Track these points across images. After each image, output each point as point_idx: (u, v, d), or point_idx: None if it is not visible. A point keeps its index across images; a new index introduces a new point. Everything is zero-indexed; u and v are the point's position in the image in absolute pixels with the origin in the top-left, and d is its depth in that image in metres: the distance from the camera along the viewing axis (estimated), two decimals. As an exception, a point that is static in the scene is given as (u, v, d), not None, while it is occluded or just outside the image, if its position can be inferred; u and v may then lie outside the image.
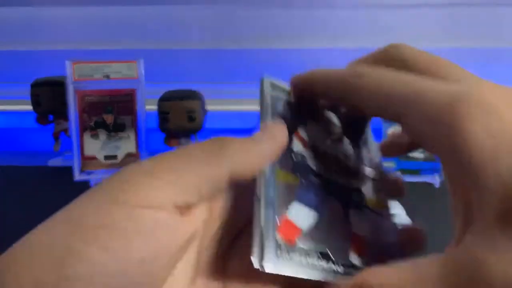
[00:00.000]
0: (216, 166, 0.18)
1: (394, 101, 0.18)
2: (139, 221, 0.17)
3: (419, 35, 0.96)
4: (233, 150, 0.19)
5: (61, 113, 0.80)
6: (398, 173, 0.72)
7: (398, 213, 0.46)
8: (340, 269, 0.20)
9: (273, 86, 0.26)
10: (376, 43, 0.95)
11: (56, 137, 0.84)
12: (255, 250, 0.18)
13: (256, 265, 0.18)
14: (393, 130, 0.73)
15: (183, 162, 0.18)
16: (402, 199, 0.48)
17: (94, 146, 0.72)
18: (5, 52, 0.99)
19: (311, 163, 0.23)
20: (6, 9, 0.96)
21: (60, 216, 0.19)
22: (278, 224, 0.19)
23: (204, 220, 0.21)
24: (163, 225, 0.17)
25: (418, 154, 0.72)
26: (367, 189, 0.28)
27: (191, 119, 0.76)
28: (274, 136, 0.21)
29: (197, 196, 0.18)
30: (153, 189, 0.17)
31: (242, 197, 0.21)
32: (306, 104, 0.24)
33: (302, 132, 0.25)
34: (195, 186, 0.18)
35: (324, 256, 0.20)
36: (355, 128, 0.27)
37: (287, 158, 0.22)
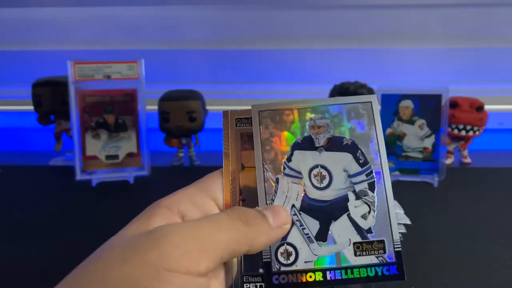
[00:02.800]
0: (240, 244, 0.22)
1: None
2: (169, 284, 0.19)
3: (419, 35, 0.97)
4: (256, 235, 0.23)
5: (62, 113, 0.80)
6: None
7: (397, 212, 0.47)
8: None
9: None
10: (376, 43, 0.95)
11: (57, 137, 0.84)
12: None
13: None
14: (391, 130, 0.73)
15: (219, 236, 0.21)
16: (401, 198, 0.49)
17: (95, 146, 0.73)
18: (7, 52, 0.99)
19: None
20: (7, 10, 0.97)
21: (117, 276, 0.19)
22: None
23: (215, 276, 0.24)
24: (191, 286, 0.20)
25: (417, 154, 0.73)
26: None
27: (192, 119, 0.76)
28: (283, 224, 0.24)
29: (218, 263, 0.21)
30: (197, 261, 0.20)
31: None
32: None
33: None
34: (220, 256, 0.21)
35: None
36: None
37: None
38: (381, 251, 0.25)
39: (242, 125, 0.26)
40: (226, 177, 0.26)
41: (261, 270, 0.25)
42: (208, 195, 0.25)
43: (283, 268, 0.24)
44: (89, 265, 0.20)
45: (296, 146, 0.26)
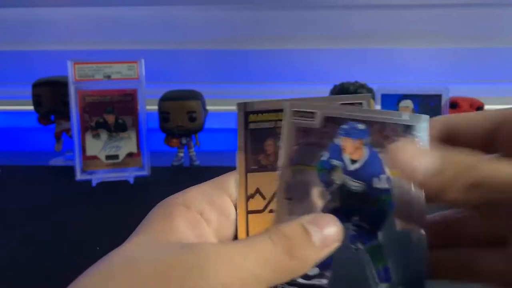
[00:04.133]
0: (281, 278, 0.19)
1: None
2: None
3: (419, 35, 0.97)
4: (298, 265, 0.19)
5: (62, 113, 0.80)
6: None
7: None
8: None
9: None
10: (376, 43, 0.95)
11: (57, 137, 0.84)
12: None
13: None
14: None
15: (258, 269, 0.19)
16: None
17: (96, 146, 0.73)
18: (7, 52, 0.99)
19: None
20: (8, 10, 0.97)
21: None
22: None
23: None
24: None
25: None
26: None
27: (192, 119, 0.76)
28: (330, 245, 0.20)
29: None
30: (219, 285, 0.18)
31: None
32: None
33: None
34: (263, 284, 0.19)
35: None
36: None
37: None
38: None
39: (300, 118, 0.23)
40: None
41: (299, 279, 0.22)
42: (224, 191, 0.23)
43: None
44: (116, 276, 0.18)
45: None
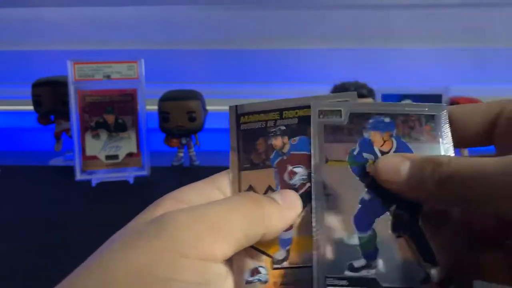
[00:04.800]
0: (255, 225, 0.20)
1: None
2: (204, 275, 0.18)
3: (419, 35, 0.97)
4: (269, 214, 0.21)
5: (62, 113, 0.80)
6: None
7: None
8: None
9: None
10: (376, 44, 0.95)
11: (57, 137, 0.84)
12: None
13: None
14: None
15: (232, 217, 0.19)
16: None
17: (95, 146, 0.73)
18: (7, 52, 0.99)
19: None
20: (8, 10, 0.97)
21: (124, 265, 0.17)
22: None
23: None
24: (220, 276, 0.19)
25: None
26: None
27: (192, 119, 0.76)
28: (293, 205, 0.22)
29: (235, 248, 0.19)
30: (211, 243, 0.18)
31: None
32: None
33: None
34: (235, 238, 0.19)
35: None
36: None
37: None
38: None
39: (327, 117, 0.24)
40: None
41: (347, 272, 0.22)
42: (216, 187, 0.23)
43: None
44: (91, 260, 0.18)
45: None
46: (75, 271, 0.18)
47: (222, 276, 0.19)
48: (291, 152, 0.24)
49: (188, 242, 0.18)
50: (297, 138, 0.24)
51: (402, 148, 0.23)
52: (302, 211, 0.23)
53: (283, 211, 0.22)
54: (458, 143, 0.22)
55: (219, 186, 0.23)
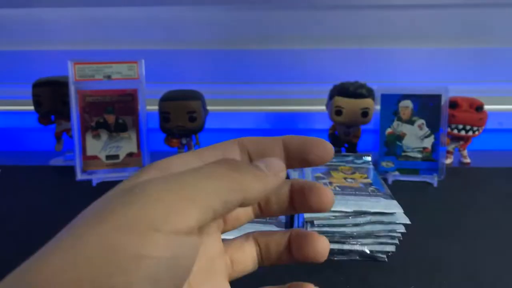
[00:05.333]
0: (233, 191, 0.19)
1: None
2: (176, 249, 0.17)
3: (419, 35, 0.97)
4: (248, 179, 0.20)
5: (63, 113, 0.80)
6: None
7: (397, 212, 0.47)
8: None
9: None
10: (376, 43, 0.95)
11: (57, 137, 0.84)
12: None
13: None
14: (390, 130, 0.73)
15: (206, 184, 0.18)
16: (400, 198, 0.49)
17: (96, 146, 0.73)
18: (7, 52, 1.00)
19: None
20: (8, 10, 0.97)
21: (93, 240, 0.16)
22: None
23: (208, 233, 0.23)
24: (194, 249, 0.18)
25: (416, 154, 0.73)
26: None
27: (192, 119, 0.76)
28: (278, 171, 0.22)
29: (210, 216, 0.18)
30: (185, 214, 0.17)
31: None
32: None
33: None
34: (211, 206, 0.18)
35: None
36: None
37: None
38: None
39: None
40: None
41: None
42: (203, 161, 0.21)
43: None
44: (63, 234, 0.17)
45: None
46: (47, 246, 0.17)
47: (196, 248, 0.18)
48: None
49: (160, 215, 0.16)
50: None
51: None
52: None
53: (267, 177, 0.21)
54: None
55: (206, 160, 0.22)
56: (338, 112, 0.76)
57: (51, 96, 0.80)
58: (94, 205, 0.19)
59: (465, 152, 0.83)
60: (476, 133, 0.78)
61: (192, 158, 0.22)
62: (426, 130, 0.72)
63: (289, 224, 0.52)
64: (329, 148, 0.23)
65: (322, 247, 0.24)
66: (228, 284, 0.24)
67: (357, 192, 0.50)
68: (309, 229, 0.47)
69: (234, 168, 0.20)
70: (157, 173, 0.20)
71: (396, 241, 0.47)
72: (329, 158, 0.23)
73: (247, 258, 0.25)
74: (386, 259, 0.46)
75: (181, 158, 0.21)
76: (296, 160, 0.23)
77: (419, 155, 0.73)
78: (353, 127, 0.80)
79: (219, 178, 0.19)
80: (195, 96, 0.78)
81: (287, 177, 0.26)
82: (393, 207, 0.47)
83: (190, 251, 0.17)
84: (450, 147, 0.82)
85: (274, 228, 0.48)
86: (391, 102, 0.73)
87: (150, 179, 0.18)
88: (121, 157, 0.74)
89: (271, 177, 0.21)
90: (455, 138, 0.81)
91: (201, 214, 0.17)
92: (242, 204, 0.19)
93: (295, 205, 0.24)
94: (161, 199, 0.17)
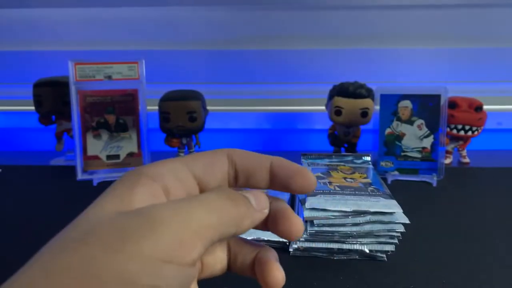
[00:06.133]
0: (230, 226, 0.20)
1: None
2: (183, 279, 0.18)
3: (418, 35, 0.97)
4: (243, 215, 0.21)
5: (63, 113, 0.81)
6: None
7: (396, 212, 0.47)
8: None
9: None
10: (375, 44, 0.95)
11: (58, 138, 0.84)
12: None
13: None
14: (390, 130, 0.74)
15: (210, 218, 0.19)
16: (400, 198, 0.49)
17: (96, 146, 0.73)
18: (8, 53, 1.00)
19: None
20: (9, 10, 0.97)
21: (109, 269, 0.16)
22: None
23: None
24: (193, 278, 0.19)
25: (416, 154, 0.73)
26: None
27: (192, 119, 0.77)
28: (263, 208, 0.23)
29: (205, 248, 0.19)
30: (192, 248, 0.18)
31: None
32: None
33: None
34: (211, 240, 0.19)
35: None
36: None
37: None
38: None
39: None
40: None
41: None
42: (192, 172, 0.22)
43: None
44: (70, 252, 0.17)
45: None
46: (54, 262, 0.17)
47: (194, 277, 0.19)
48: None
49: (173, 247, 0.17)
50: None
51: None
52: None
53: (255, 214, 0.22)
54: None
55: (193, 170, 0.22)
56: (338, 112, 0.77)
57: (51, 96, 0.80)
58: (101, 222, 0.19)
59: (465, 152, 0.83)
60: (476, 133, 0.79)
61: (180, 165, 0.22)
62: (425, 130, 0.73)
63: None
64: (313, 181, 0.23)
65: (276, 279, 0.24)
66: (196, 286, 0.24)
67: (356, 192, 0.50)
68: (308, 228, 0.47)
69: (235, 203, 0.21)
70: (149, 182, 0.20)
71: (396, 241, 0.47)
72: (311, 190, 0.24)
73: (216, 263, 0.25)
74: (385, 259, 0.47)
75: (169, 165, 0.22)
76: (279, 185, 0.24)
77: (419, 155, 0.73)
78: (353, 127, 0.80)
79: (221, 214, 0.20)
80: (195, 96, 0.79)
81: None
82: (393, 206, 0.47)
83: (190, 280, 0.19)
84: (450, 147, 0.82)
85: None
86: (390, 102, 0.73)
87: (162, 207, 0.19)
88: (122, 157, 0.74)
89: (258, 213, 0.22)
90: (454, 138, 0.81)
91: (203, 247, 0.19)
92: (232, 236, 0.21)
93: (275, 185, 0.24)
94: (176, 231, 0.18)
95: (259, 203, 0.23)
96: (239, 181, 0.24)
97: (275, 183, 0.24)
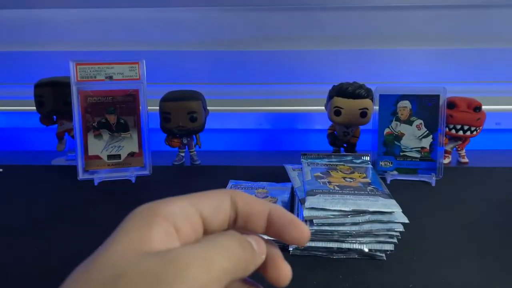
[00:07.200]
0: (240, 270, 0.22)
1: None
2: None
3: (417, 36, 0.97)
4: (248, 259, 0.22)
5: (64, 113, 0.81)
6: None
7: (395, 211, 0.47)
8: None
9: None
10: (374, 44, 0.96)
11: (59, 138, 0.85)
12: None
13: None
14: (389, 130, 0.74)
15: (227, 264, 0.21)
16: (399, 197, 0.50)
17: (97, 146, 0.73)
18: (9, 53, 1.00)
19: None
20: (10, 11, 0.97)
21: None
22: None
23: None
24: None
25: (415, 154, 0.73)
26: None
27: (193, 119, 0.77)
28: (263, 253, 0.24)
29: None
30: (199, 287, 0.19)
31: None
32: None
33: None
34: (223, 283, 0.20)
35: None
36: None
37: None
38: None
39: None
40: None
41: None
42: (199, 213, 0.23)
43: None
44: None
45: None
46: None
47: None
48: None
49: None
50: None
51: None
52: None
53: (258, 259, 0.23)
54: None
55: (201, 210, 0.23)
56: (337, 112, 0.77)
57: (53, 96, 0.80)
58: (120, 268, 0.19)
59: (463, 152, 0.84)
60: (474, 133, 0.79)
61: (189, 206, 0.23)
62: (424, 130, 0.73)
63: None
64: (307, 234, 0.25)
65: (285, 273, 0.25)
66: None
67: (356, 192, 0.51)
68: (308, 228, 0.47)
69: (242, 247, 0.22)
70: (164, 222, 0.21)
71: (395, 240, 0.47)
72: (303, 243, 0.25)
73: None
74: (384, 258, 0.47)
75: (179, 204, 0.23)
76: (274, 233, 0.25)
77: (418, 155, 0.74)
78: (352, 127, 0.80)
79: (235, 260, 0.21)
80: (196, 96, 0.79)
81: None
82: (392, 206, 0.48)
83: None
84: (448, 147, 0.83)
85: None
86: (389, 102, 0.74)
87: (186, 251, 0.20)
88: (123, 157, 0.74)
89: (259, 258, 0.24)
90: (453, 138, 0.82)
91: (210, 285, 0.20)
92: (238, 278, 0.22)
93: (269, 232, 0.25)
94: (198, 276, 0.19)
95: (259, 248, 0.24)
96: (237, 224, 0.25)
97: (271, 231, 0.25)
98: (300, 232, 0.24)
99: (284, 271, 0.24)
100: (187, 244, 0.21)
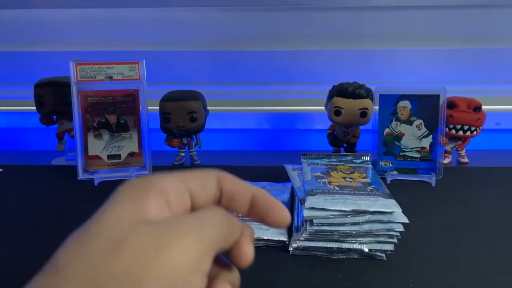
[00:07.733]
0: (225, 242, 0.23)
1: None
2: (202, 285, 0.20)
3: (417, 36, 0.97)
4: (233, 229, 0.24)
5: (64, 113, 0.81)
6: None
7: (395, 211, 0.47)
8: None
9: None
10: (374, 44, 0.96)
11: (59, 138, 0.85)
12: None
13: None
14: (389, 130, 0.74)
15: (219, 235, 0.22)
16: (399, 197, 0.50)
17: (97, 146, 0.73)
18: (9, 53, 1.00)
19: None
20: (10, 11, 0.97)
21: (118, 272, 0.18)
22: None
23: None
24: (203, 286, 0.21)
25: (415, 154, 0.73)
26: None
27: (193, 119, 0.77)
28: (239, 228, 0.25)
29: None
30: (208, 260, 0.21)
31: None
32: None
33: None
34: (214, 253, 0.22)
35: None
36: None
37: None
38: None
39: None
40: None
41: None
42: (188, 189, 0.24)
43: None
44: (107, 261, 0.19)
45: None
46: (90, 272, 0.18)
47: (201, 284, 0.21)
48: None
49: (197, 260, 0.20)
50: None
51: None
52: None
53: (237, 230, 0.24)
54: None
55: (190, 187, 0.24)
56: (337, 112, 0.77)
57: (53, 96, 0.80)
58: (140, 242, 0.20)
59: (463, 152, 0.84)
60: (474, 133, 0.79)
61: (180, 182, 0.24)
62: (424, 130, 0.73)
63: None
64: (286, 218, 0.25)
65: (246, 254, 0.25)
66: None
67: (356, 192, 0.51)
68: (308, 228, 0.47)
69: (228, 219, 0.24)
70: (157, 194, 0.22)
71: (395, 240, 0.47)
72: (283, 226, 0.26)
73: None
74: (384, 258, 0.47)
75: (171, 180, 0.24)
76: (256, 215, 0.26)
77: (418, 155, 0.74)
78: (352, 127, 0.80)
79: (221, 229, 0.23)
80: (196, 96, 0.79)
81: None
82: (392, 206, 0.48)
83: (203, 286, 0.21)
84: (448, 147, 0.83)
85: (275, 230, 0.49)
86: (389, 102, 0.74)
87: (182, 221, 0.21)
88: (123, 157, 0.74)
89: (238, 231, 0.25)
90: (453, 138, 0.82)
91: (212, 259, 0.21)
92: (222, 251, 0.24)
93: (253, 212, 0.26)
94: (198, 248, 0.20)
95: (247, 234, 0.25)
96: (222, 203, 0.26)
97: (253, 213, 0.26)
98: (282, 216, 0.25)
99: (246, 251, 0.25)
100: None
